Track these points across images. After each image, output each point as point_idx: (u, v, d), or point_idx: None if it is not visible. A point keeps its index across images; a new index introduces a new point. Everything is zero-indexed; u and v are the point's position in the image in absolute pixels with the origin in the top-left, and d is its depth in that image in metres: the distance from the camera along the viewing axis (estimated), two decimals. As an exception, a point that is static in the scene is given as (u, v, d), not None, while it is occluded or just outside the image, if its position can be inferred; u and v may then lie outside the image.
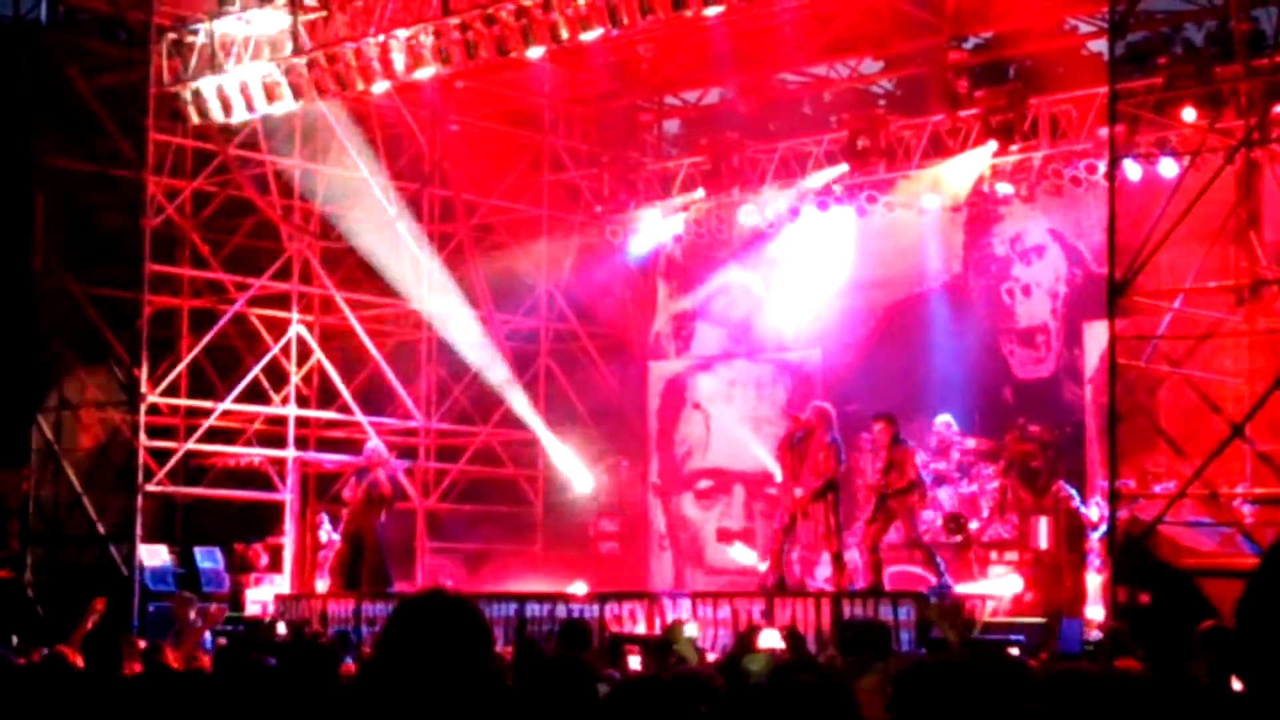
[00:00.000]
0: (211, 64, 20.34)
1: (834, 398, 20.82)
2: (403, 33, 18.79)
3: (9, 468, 21.83)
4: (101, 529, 20.99)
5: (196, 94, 20.52)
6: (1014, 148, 20.84)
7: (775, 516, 19.44)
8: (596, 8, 17.37)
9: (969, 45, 22.06)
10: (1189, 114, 18.77)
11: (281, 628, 18.58)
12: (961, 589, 18.01)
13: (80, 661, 9.42)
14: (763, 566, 19.67)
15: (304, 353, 23.06)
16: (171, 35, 20.71)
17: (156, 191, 21.45)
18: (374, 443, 21.56)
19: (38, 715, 6.92)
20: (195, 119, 20.85)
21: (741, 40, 22.55)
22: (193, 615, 17.97)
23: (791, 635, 12.93)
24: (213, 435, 22.28)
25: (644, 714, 5.19)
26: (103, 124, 21.19)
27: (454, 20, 18.28)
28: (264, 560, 22.35)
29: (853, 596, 16.92)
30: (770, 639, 13.10)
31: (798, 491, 18.10)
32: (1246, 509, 17.59)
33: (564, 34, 17.77)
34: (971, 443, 20.93)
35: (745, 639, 11.45)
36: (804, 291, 23.91)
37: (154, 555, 20.81)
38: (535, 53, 18.58)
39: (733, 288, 24.90)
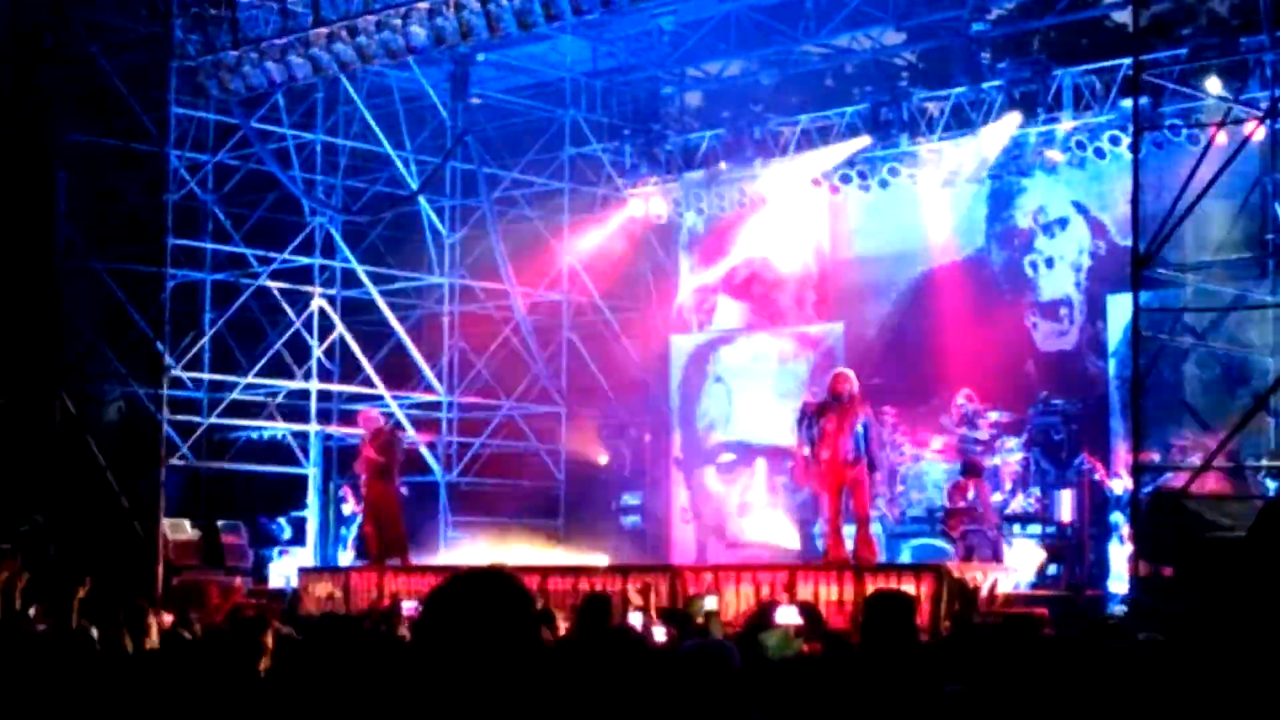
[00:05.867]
0: (233, 38, 20.32)
1: (856, 372, 20.77)
2: (424, 5, 18.75)
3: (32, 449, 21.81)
4: (125, 504, 21.04)
5: (218, 67, 20.51)
6: (1037, 120, 20.74)
7: (818, 490, 18.67)
8: (617, -20, 17.34)
9: (992, 16, 21.92)
10: (1213, 85, 18.67)
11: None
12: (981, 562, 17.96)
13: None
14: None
15: (326, 326, 23.09)
16: (193, 9, 20.70)
17: (179, 166, 21.48)
18: (364, 409, 21.38)
19: (42, 687, 6.94)
20: (217, 93, 20.85)
21: (763, 12, 22.46)
22: (214, 597, 18.04)
23: (808, 611, 12.90)
24: (236, 409, 22.34)
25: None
26: (124, 99, 21.18)
27: (475, -7, 18.23)
28: (287, 534, 22.41)
29: (875, 570, 16.87)
30: (787, 614, 13.07)
31: (847, 458, 17.30)
32: (1271, 482, 17.53)
33: (585, 6, 17.72)
34: (994, 415, 20.89)
35: (763, 614, 11.44)
36: (826, 265, 23.85)
37: (178, 529, 20.88)
38: (557, 25, 18.53)
39: (755, 261, 24.85)
